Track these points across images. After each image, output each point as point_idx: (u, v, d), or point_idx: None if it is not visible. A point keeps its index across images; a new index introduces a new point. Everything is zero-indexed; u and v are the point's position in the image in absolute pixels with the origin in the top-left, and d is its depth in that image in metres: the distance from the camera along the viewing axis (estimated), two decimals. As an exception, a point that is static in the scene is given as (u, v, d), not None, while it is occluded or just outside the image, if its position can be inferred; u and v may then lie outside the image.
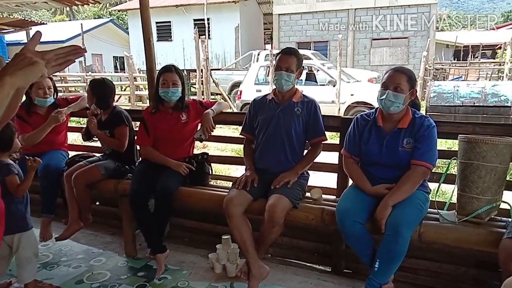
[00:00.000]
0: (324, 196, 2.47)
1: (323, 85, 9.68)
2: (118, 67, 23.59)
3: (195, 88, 11.88)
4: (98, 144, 3.17)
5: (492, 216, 2.06)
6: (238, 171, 4.81)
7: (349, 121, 2.41)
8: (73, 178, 2.75)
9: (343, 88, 9.25)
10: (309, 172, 2.58)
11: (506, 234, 1.78)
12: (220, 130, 7.66)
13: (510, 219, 1.95)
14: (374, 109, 2.31)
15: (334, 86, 9.38)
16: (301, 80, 9.05)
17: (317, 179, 2.79)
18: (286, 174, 2.37)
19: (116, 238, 3.09)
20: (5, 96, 0.88)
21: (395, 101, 2.09)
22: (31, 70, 0.92)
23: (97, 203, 3.45)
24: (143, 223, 2.61)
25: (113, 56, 23.92)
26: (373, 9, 17.30)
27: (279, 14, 18.22)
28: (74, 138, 5.76)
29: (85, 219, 2.91)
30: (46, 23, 14.19)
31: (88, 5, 4.47)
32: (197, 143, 2.98)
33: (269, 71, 10.18)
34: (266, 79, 10.36)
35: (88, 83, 13.03)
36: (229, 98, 11.39)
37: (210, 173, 2.91)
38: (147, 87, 11.73)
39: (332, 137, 3.50)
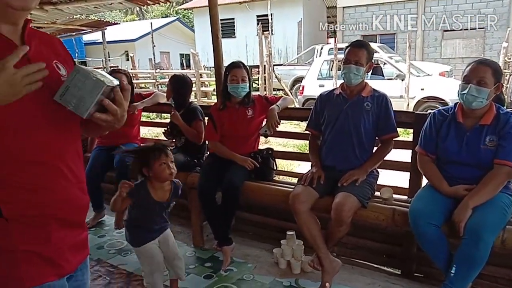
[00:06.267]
0: (395, 196, 2.36)
1: (390, 79, 9.28)
2: (184, 64, 24.46)
3: (256, 83, 11.98)
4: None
5: None
6: (300, 167, 4.77)
7: (424, 116, 2.29)
8: (146, 170, 2.88)
9: (413, 82, 8.80)
10: (379, 170, 2.49)
11: None
12: (282, 125, 7.64)
13: None
14: (453, 104, 2.15)
15: (402, 80, 8.96)
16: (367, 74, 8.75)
17: (387, 177, 2.68)
18: (354, 171, 2.30)
19: (185, 229, 3.20)
20: None
21: (478, 96, 1.93)
22: None
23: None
24: (211, 215, 2.68)
25: (180, 54, 24.82)
26: (445, -1, 16.22)
27: (343, 7, 17.73)
28: (145, 132, 6.05)
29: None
30: (119, 23, 15.09)
31: (159, 4, 4.66)
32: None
33: (332, 65, 9.97)
34: (329, 73, 10.16)
35: (156, 79, 13.60)
36: (291, 93, 11.34)
37: (275, 168, 2.91)
38: (211, 83, 12.02)
39: (403, 134, 3.35)
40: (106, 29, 11.89)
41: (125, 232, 2.20)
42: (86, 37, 18.62)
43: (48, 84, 0.98)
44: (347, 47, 2.44)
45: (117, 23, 12.76)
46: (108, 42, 14.27)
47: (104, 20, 11.26)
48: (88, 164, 3.17)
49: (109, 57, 15.71)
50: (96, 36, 15.98)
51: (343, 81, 2.46)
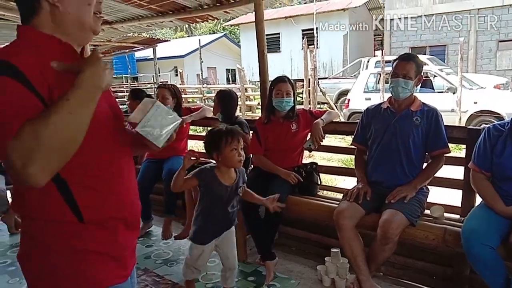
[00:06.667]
0: (446, 214, 2.26)
1: (441, 92, 8.93)
2: (230, 78, 24.96)
3: (301, 97, 11.97)
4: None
5: None
6: (345, 182, 4.68)
7: (477, 131, 2.19)
8: (192, 182, 2.96)
9: (465, 95, 8.42)
10: (429, 187, 2.39)
11: None
12: (327, 139, 7.52)
13: None
14: (509, 119, 2.04)
15: (454, 93, 8.60)
16: (416, 87, 8.48)
17: (438, 195, 2.56)
18: (402, 188, 2.23)
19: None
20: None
21: (538, 110, 1.82)
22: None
23: (211, 206, 3.65)
24: (254, 229, 2.69)
25: (226, 69, 25.38)
26: (501, 8, 15.44)
27: (391, 19, 17.40)
28: (192, 145, 6.20)
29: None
30: (169, 40, 15.72)
31: (207, 21, 4.82)
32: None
33: (379, 78, 9.77)
34: (376, 86, 9.95)
35: (203, 94, 13.97)
36: (336, 107, 11.21)
37: (319, 183, 2.88)
38: (256, 97, 12.14)
39: (455, 150, 3.20)
40: (157, 46, 12.43)
41: (192, 226, 2.18)
42: (138, 54, 19.55)
43: (108, 100, 1.10)
44: (394, 60, 2.40)
45: (167, 40, 13.32)
46: (159, 59, 14.91)
47: (155, 38, 11.78)
48: (139, 176, 3.29)
49: (159, 73, 16.38)
50: (147, 52, 16.74)
51: (390, 94, 2.42)
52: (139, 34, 8.41)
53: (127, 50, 11.82)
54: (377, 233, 2.13)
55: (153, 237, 3.46)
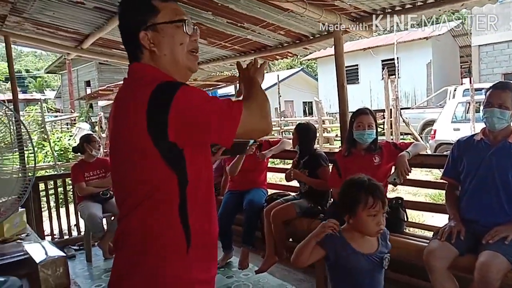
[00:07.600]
0: (558, 259, 1.98)
1: (543, 121, 8.05)
2: (307, 111, 25.07)
3: (381, 128, 11.59)
4: (292, 183, 3.39)
5: None
6: (433, 218, 4.36)
7: None
8: (272, 215, 2.98)
9: None
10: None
11: None
12: (412, 172, 7.08)
13: None
14: None
15: (559, 122, 7.70)
16: None
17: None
18: (502, 227, 2.02)
19: (308, 277, 3.16)
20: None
21: None
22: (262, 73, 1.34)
23: (291, 239, 3.62)
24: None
25: (303, 102, 25.60)
26: None
27: (479, 45, 16.32)
28: (270, 177, 6.28)
29: (280, 254, 3.08)
30: (249, 77, 16.36)
31: (287, 58, 4.97)
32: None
33: (469, 107, 9.13)
34: (465, 116, 9.29)
35: (281, 127, 14.20)
36: (421, 138, 10.63)
37: (405, 219, 2.72)
38: (333, 129, 11.98)
39: None
40: (238, 83, 13.01)
41: None
42: (221, 91, 20.55)
43: None
44: (488, 89, 2.24)
45: (247, 77, 13.87)
46: (239, 94, 15.56)
47: (236, 75, 12.36)
48: (221, 207, 3.40)
49: (239, 107, 16.99)
50: (229, 89, 17.55)
51: (483, 125, 2.25)
52: (221, 73, 8.89)
53: (211, 88, 12.50)
54: (474, 277, 1.94)
55: (233, 268, 3.50)
